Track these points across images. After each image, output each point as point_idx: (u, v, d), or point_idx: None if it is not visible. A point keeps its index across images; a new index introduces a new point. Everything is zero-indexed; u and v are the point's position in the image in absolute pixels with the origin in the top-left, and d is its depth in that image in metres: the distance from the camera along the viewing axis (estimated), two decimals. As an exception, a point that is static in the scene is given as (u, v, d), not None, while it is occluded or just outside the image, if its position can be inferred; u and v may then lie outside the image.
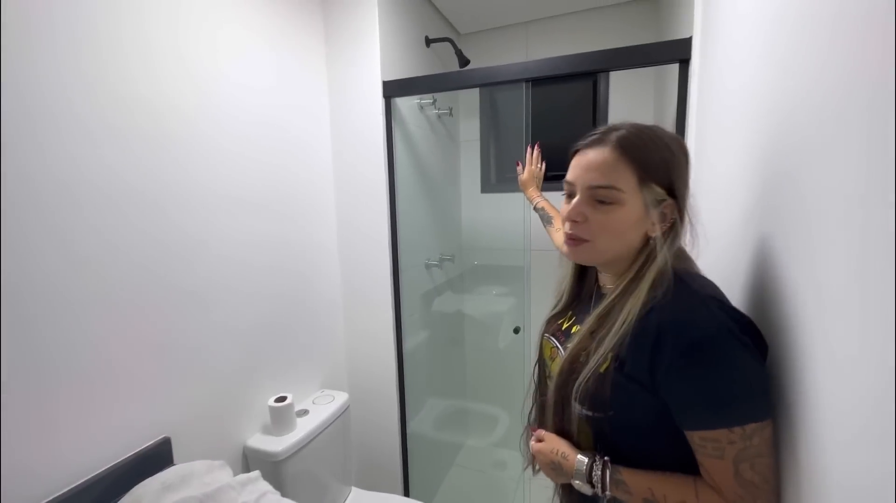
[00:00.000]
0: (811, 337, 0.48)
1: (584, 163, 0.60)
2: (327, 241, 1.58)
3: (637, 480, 0.58)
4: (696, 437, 0.54)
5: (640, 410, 0.58)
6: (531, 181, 1.35)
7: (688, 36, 1.12)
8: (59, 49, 0.79)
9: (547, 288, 1.98)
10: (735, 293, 0.75)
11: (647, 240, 0.61)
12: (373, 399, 1.68)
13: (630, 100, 1.92)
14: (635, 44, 1.19)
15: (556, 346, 0.71)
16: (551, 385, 0.67)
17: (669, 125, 1.36)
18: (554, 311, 0.76)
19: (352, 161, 1.56)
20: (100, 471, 0.87)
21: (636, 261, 0.61)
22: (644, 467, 0.59)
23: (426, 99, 1.81)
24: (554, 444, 0.67)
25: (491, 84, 1.39)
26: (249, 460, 1.24)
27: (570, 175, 0.62)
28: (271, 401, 1.26)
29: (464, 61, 1.83)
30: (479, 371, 2.38)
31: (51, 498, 0.79)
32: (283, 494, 1.13)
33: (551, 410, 0.68)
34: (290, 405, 1.26)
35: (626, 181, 0.57)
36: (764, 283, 0.63)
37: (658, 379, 0.55)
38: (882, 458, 0.34)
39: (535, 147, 1.36)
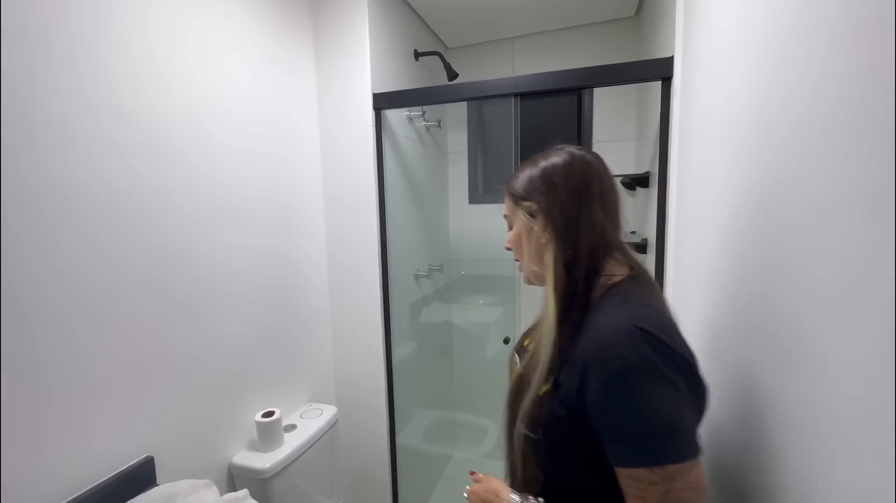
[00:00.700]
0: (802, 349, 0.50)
1: None
2: (316, 252, 1.57)
3: None
4: (621, 475, 0.53)
5: (573, 438, 0.57)
6: None
7: (669, 55, 1.16)
8: (55, 57, 0.78)
9: (536, 298, 2.01)
10: (723, 307, 0.77)
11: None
12: (361, 412, 1.66)
13: (614, 114, 1.97)
14: (617, 61, 1.23)
15: (517, 364, 0.72)
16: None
17: (652, 140, 1.40)
18: (527, 329, 0.78)
19: (341, 172, 1.56)
20: (78, 493, 0.83)
21: None
22: (580, 501, 0.59)
23: (415, 111, 1.83)
24: (489, 484, 0.68)
25: (480, 98, 1.41)
26: (235, 478, 1.20)
27: None
28: (258, 417, 1.23)
29: (452, 74, 1.85)
30: (467, 382, 2.37)
31: (26, 523, 0.75)
32: (271, 513, 1.10)
33: (504, 428, 0.69)
34: (278, 420, 1.24)
35: (510, 206, 0.70)
36: (752, 293, 0.65)
37: (587, 409, 0.54)
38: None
39: None
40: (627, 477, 0.52)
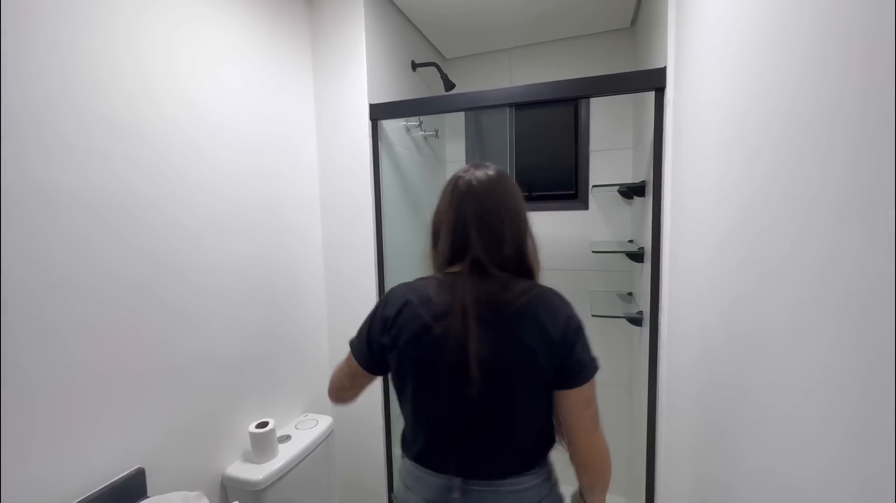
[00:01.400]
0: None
1: None
2: (312, 261, 1.57)
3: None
4: None
5: None
6: None
7: (662, 66, 1.17)
8: (44, 70, 0.79)
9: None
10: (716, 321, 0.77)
11: None
12: (358, 422, 1.64)
13: (610, 124, 1.98)
14: (613, 71, 1.24)
15: None
16: None
17: (648, 149, 1.40)
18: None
19: (338, 182, 1.57)
20: (67, 506, 0.82)
21: None
22: None
23: (412, 121, 1.84)
24: None
25: (476, 108, 1.42)
26: (228, 490, 1.19)
27: None
28: (252, 427, 1.22)
29: (449, 85, 1.87)
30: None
31: (12, 537, 0.74)
32: (263, 526, 1.09)
33: None
34: (272, 431, 1.23)
35: None
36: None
37: None
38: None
39: None
40: None
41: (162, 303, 1.01)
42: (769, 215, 0.54)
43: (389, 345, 0.77)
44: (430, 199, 2.11)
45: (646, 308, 1.39)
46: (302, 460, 1.30)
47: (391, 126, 1.65)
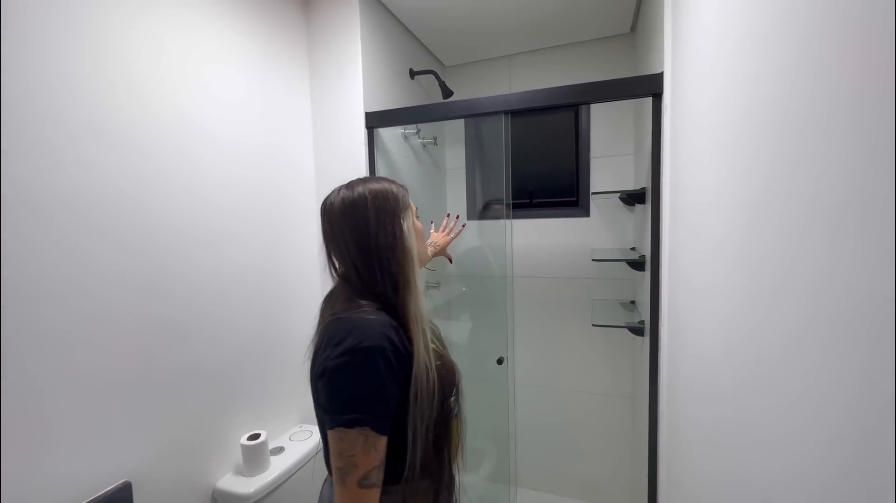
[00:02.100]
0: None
1: None
2: (307, 271, 1.56)
3: None
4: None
5: None
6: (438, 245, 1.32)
7: (659, 71, 1.15)
8: (31, 82, 0.79)
9: (533, 315, 1.96)
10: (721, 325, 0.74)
11: None
12: (354, 433, 1.62)
13: (611, 129, 1.96)
14: (613, 77, 1.22)
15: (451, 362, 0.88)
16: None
17: (647, 156, 1.38)
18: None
19: (334, 190, 1.56)
20: (50, 521, 0.81)
21: None
22: None
23: (410, 129, 1.83)
24: None
25: (471, 115, 1.41)
26: (218, 504, 1.17)
27: None
28: (243, 439, 1.20)
29: (447, 92, 1.86)
30: (468, 402, 2.31)
31: (-9, 554, 0.73)
32: (252, 541, 1.07)
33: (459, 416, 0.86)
34: (264, 443, 1.21)
35: None
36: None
37: None
38: None
39: (456, 218, 1.38)
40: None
41: (151, 314, 1.01)
42: (762, 225, 0.52)
43: None
44: (430, 207, 2.11)
45: (647, 317, 1.36)
46: (295, 472, 1.28)
47: (388, 134, 1.64)
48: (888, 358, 0.30)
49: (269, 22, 1.37)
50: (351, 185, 0.78)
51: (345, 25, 1.48)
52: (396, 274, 0.74)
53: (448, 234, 1.34)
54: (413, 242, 0.77)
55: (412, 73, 1.84)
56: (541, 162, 2.12)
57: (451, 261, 1.38)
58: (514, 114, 1.37)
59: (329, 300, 0.80)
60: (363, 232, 0.73)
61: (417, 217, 0.87)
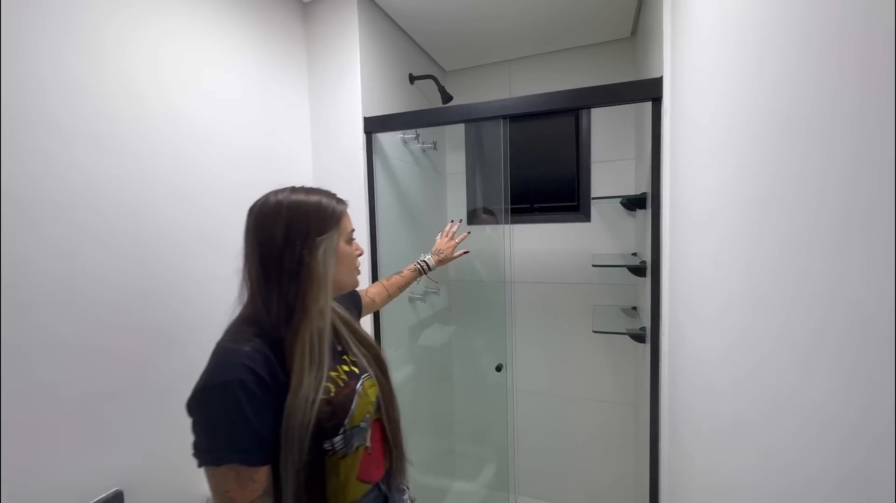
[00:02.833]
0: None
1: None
2: (306, 276, 1.55)
3: None
4: None
5: None
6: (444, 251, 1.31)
7: (659, 75, 1.14)
8: (26, 90, 0.79)
9: (534, 321, 1.94)
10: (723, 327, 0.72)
11: None
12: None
13: (612, 134, 1.95)
14: (614, 81, 1.21)
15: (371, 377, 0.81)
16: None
17: (647, 160, 1.37)
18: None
19: (333, 195, 1.55)
20: (39, 531, 0.80)
21: None
22: None
23: (409, 134, 1.83)
24: None
25: (469, 120, 1.41)
26: (213, 512, 1.16)
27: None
28: (239, 447, 1.19)
29: (447, 97, 1.86)
30: (465, 409, 2.30)
31: (-22, 565, 0.72)
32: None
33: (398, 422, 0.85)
34: (259, 451, 1.19)
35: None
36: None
37: None
38: None
39: (459, 223, 1.38)
40: None
41: (145, 319, 1.00)
42: (765, 230, 0.50)
43: None
44: (429, 212, 2.11)
45: (649, 324, 1.34)
46: (290, 481, 1.26)
47: (387, 139, 1.63)
48: (890, 366, 0.29)
49: (267, 28, 1.37)
50: (279, 192, 0.71)
51: (344, 30, 1.48)
52: (294, 301, 0.67)
53: (451, 239, 1.33)
54: (326, 270, 0.69)
55: (411, 78, 1.84)
56: (542, 167, 2.11)
57: (466, 252, 1.36)
58: (514, 118, 1.37)
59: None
60: (268, 250, 0.67)
61: (351, 240, 0.78)
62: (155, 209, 1.02)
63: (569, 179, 2.06)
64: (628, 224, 1.92)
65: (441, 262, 1.31)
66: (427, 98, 2.04)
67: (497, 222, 2.10)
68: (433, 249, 1.33)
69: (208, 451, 0.61)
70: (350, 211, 1.53)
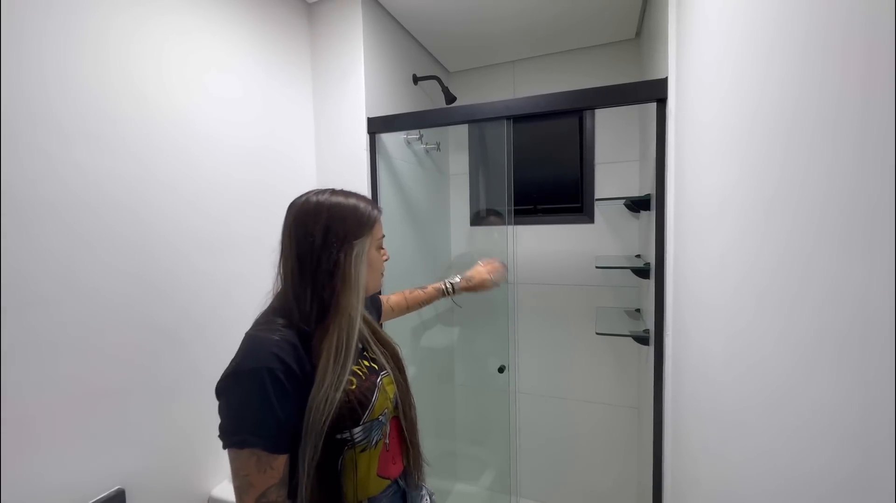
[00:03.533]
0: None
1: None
2: (309, 276, 1.55)
3: None
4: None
5: None
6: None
7: (664, 76, 1.13)
8: (28, 94, 0.79)
9: (536, 322, 1.93)
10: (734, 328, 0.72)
11: None
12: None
13: (616, 135, 1.94)
14: (619, 82, 1.20)
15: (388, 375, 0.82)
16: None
17: (652, 162, 1.36)
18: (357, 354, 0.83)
19: (336, 195, 1.55)
20: (41, 529, 0.80)
21: None
22: None
23: (412, 134, 1.83)
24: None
25: (472, 121, 1.40)
26: (214, 512, 1.16)
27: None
28: (240, 447, 1.19)
29: (450, 98, 1.86)
30: (467, 410, 2.29)
31: (-20, 562, 0.72)
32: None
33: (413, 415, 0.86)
34: (261, 450, 1.19)
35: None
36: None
37: None
38: None
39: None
40: None
41: (147, 319, 1.00)
42: (770, 232, 0.50)
43: None
44: (433, 212, 2.10)
45: (653, 326, 1.33)
46: (292, 481, 1.26)
47: (391, 139, 1.63)
48: (891, 366, 0.28)
49: (272, 28, 1.37)
50: (320, 193, 0.74)
51: (347, 31, 1.48)
52: (327, 299, 0.70)
53: (489, 273, 1.27)
54: (359, 273, 0.71)
55: (415, 79, 1.84)
56: (545, 168, 2.11)
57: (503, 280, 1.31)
58: (518, 119, 1.36)
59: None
60: (307, 248, 0.70)
61: (381, 247, 0.81)
62: (154, 209, 1.02)
63: (572, 181, 2.05)
64: (632, 226, 1.91)
65: (467, 289, 1.26)
66: (431, 99, 2.05)
67: (500, 223, 2.10)
68: (466, 275, 1.28)
69: (233, 434, 0.63)
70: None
